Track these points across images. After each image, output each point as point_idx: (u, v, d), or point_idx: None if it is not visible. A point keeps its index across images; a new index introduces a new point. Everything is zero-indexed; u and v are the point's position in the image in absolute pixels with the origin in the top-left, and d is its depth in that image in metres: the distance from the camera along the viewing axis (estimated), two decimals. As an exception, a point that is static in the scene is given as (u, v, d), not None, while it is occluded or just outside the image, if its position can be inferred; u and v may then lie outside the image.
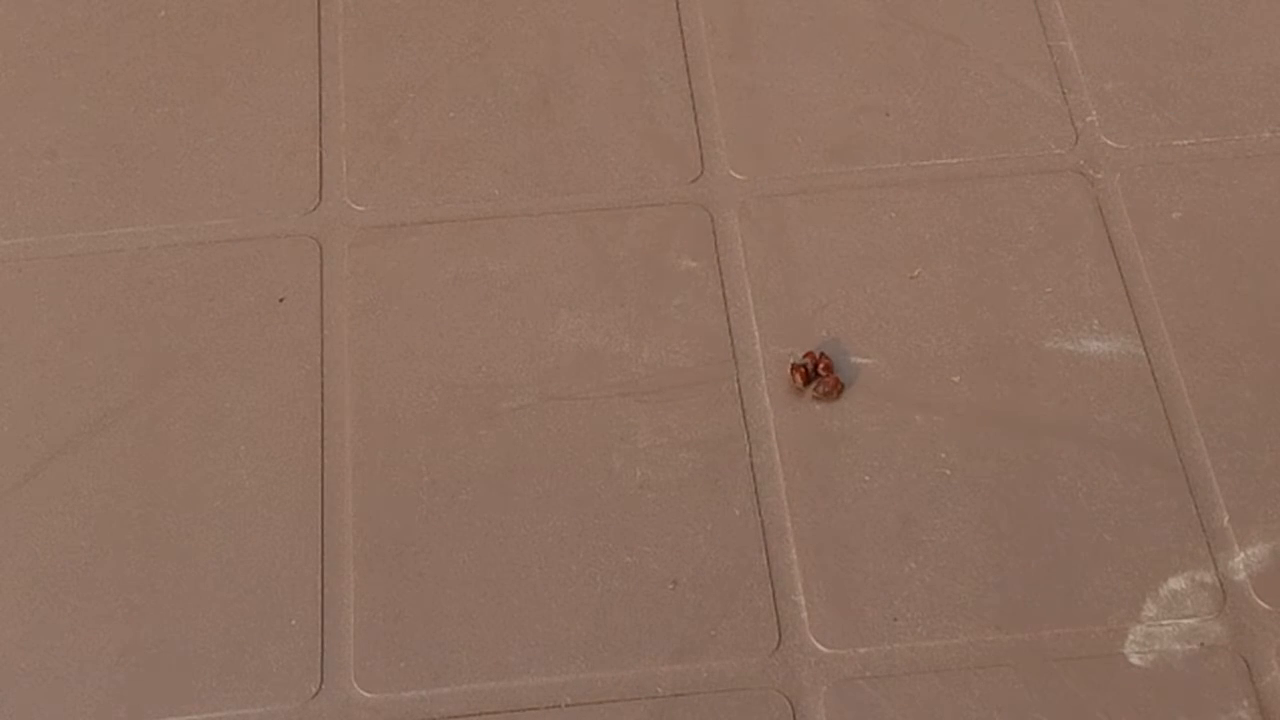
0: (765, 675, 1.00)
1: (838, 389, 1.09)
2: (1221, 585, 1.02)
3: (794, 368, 1.10)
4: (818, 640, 1.01)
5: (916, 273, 1.15)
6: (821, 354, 1.10)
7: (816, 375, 1.10)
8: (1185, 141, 1.22)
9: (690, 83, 1.26)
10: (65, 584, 1.04)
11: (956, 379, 1.11)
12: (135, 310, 1.15)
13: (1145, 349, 1.11)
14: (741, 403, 1.10)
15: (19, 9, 1.32)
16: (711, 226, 1.18)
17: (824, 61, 1.26)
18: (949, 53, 1.26)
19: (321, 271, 1.17)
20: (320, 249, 1.18)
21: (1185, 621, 1.01)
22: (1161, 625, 1.01)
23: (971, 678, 0.99)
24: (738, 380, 1.11)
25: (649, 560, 1.04)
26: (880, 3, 1.29)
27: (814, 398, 1.09)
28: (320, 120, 1.24)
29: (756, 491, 1.06)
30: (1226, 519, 1.05)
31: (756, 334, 1.13)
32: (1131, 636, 1.00)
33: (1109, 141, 1.22)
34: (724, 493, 1.06)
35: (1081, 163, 1.21)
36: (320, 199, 1.20)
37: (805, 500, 1.06)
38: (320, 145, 1.23)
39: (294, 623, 1.02)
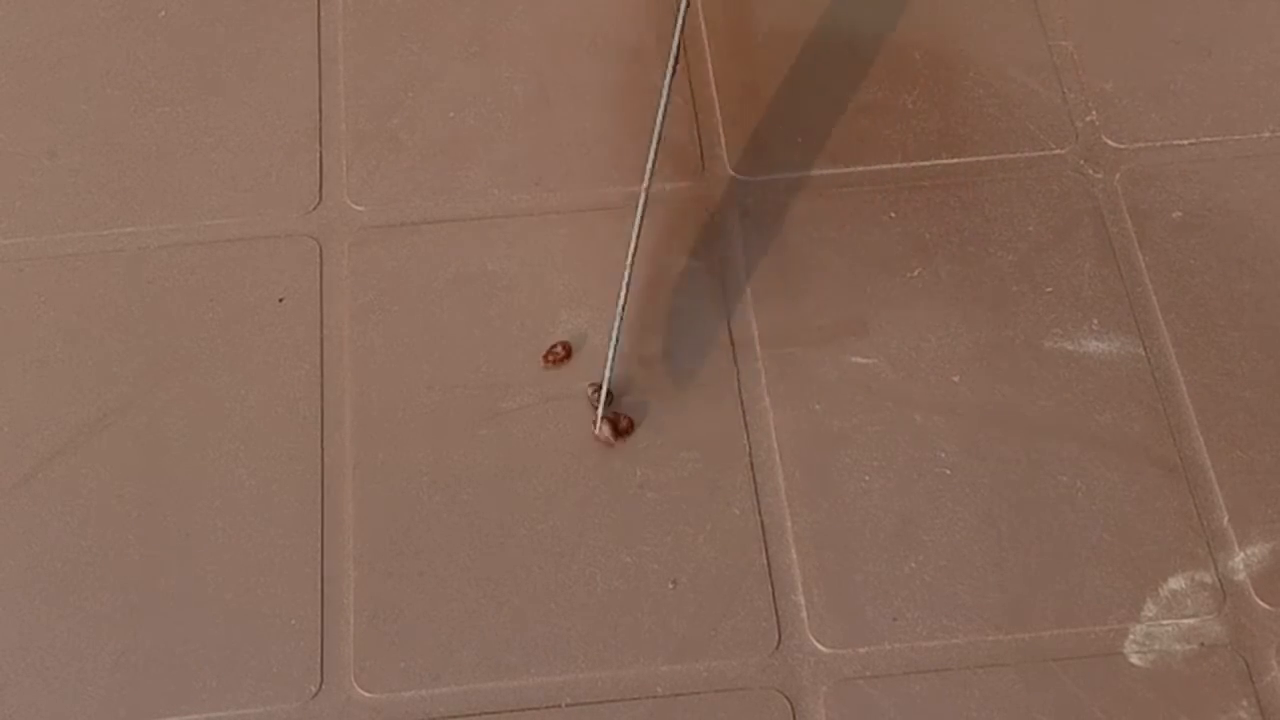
0: (765, 675, 1.00)
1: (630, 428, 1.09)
2: (1221, 585, 1.02)
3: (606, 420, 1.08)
4: (818, 640, 1.01)
5: (916, 273, 1.15)
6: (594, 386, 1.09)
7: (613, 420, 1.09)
8: (1185, 141, 1.22)
9: (690, 83, 1.26)
10: (65, 584, 1.04)
11: (956, 379, 1.11)
12: (135, 310, 1.15)
13: (1145, 349, 1.11)
14: (741, 403, 1.10)
15: (19, 9, 1.31)
16: (711, 226, 1.18)
17: (824, 61, 1.26)
18: (949, 53, 1.26)
19: (321, 271, 1.17)
20: (320, 249, 1.18)
21: (1185, 621, 1.01)
22: (1161, 625, 1.01)
23: (971, 678, 0.99)
24: (738, 380, 1.11)
25: (649, 560, 1.04)
26: (879, 3, 1.29)
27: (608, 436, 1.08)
28: (320, 120, 1.24)
29: (756, 491, 1.06)
30: (1226, 519, 1.05)
31: (756, 334, 1.13)
32: (1131, 636, 1.00)
33: (1109, 141, 1.22)
34: (724, 493, 1.06)
35: (1081, 163, 1.21)
36: (320, 199, 1.20)
37: (805, 500, 1.06)
38: (320, 145, 1.23)
39: (294, 623, 1.02)
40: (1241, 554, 1.03)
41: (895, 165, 1.21)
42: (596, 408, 1.08)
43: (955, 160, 1.21)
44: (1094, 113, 1.23)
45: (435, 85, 1.26)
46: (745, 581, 1.03)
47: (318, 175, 1.21)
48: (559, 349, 1.10)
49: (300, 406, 1.10)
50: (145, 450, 1.09)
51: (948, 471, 1.07)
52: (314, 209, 1.20)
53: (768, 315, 1.14)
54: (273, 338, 1.13)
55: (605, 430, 1.07)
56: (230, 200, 1.20)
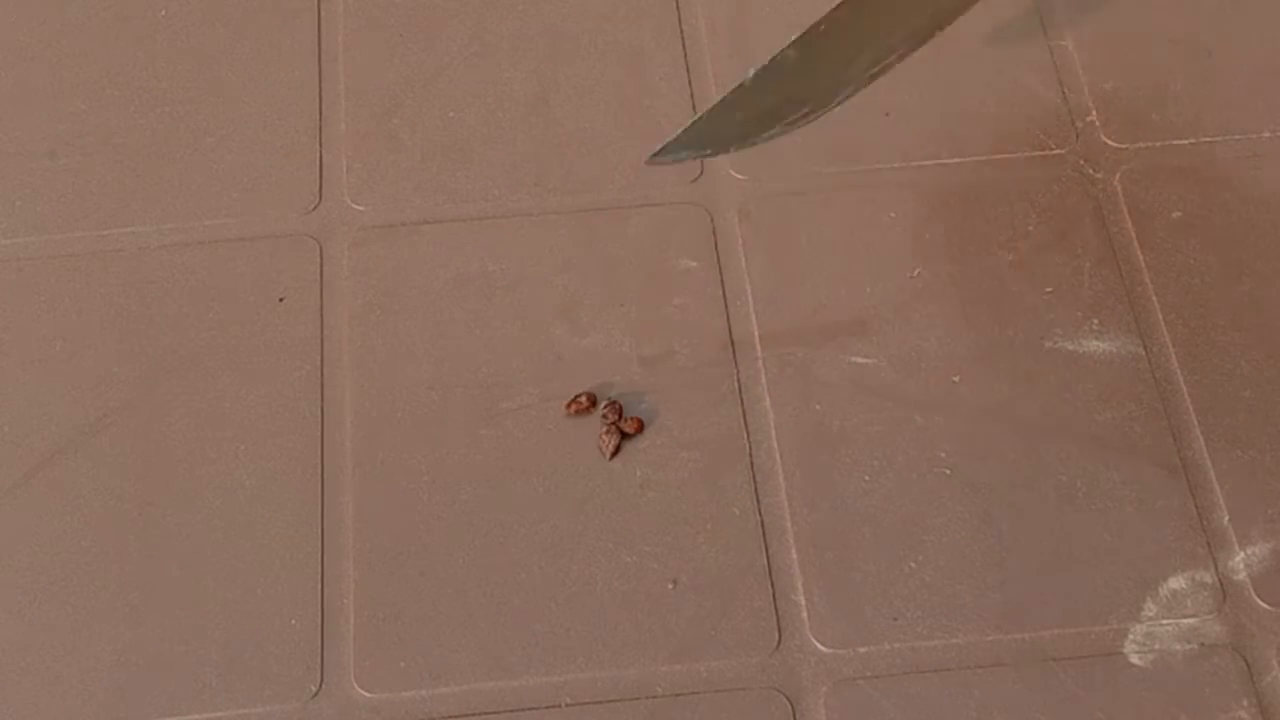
0: (765, 675, 1.00)
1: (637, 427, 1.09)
2: (1221, 585, 1.02)
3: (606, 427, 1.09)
4: (818, 640, 1.01)
5: (916, 273, 1.15)
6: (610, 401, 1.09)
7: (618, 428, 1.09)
8: (1185, 141, 1.22)
9: (690, 83, 1.26)
10: (65, 584, 1.04)
11: (956, 379, 1.11)
12: (135, 310, 1.15)
13: (1145, 349, 1.11)
14: (741, 403, 1.10)
15: (19, 9, 1.32)
16: (711, 226, 1.18)
17: (824, 61, 1.26)
18: (949, 53, 1.26)
19: (321, 271, 1.17)
20: (320, 249, 1.18)
21: (1185, 621, 1.01)
22: (1161, 625, 1.01)
23: (971, 678, 0.99)
24: (738, 380, 1.11)
25: (649, 560, 1.04)
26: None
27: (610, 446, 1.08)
28: (320, 120, 1.24)
29: (756, 491, 1.06)
30: (1226, 519, 1.05)
31: (756, 334, 1.13)
32: (1131, 636, 1.00)
33: (1109, 141, 1.22)
34: (724, 493, 1.06)
35: (1081, 163, 1.21)
36: (320, 199, 1.20)
37: (805, 500, 1.06)
38: (320, 145, 1.23)
39: (294, 623, 1.02)
40: (1241, 554, 1.03)
41: (895, 165, 1.21)
42: (610, 430, 1.08)
43: (955, 160, 1.21)
44: (1094, 113, 1.23)
45: (435, 85, 1.26)
46: (745, 581, 1.03)
47: (318, 175, 1.21)
48: (583, 399, 1.09)
49: (300, 406, 1.10)
50: (145, 450, 1.09)
51: (948, 471, 1.07)
52: (314, 209, 1.20)
53: (768, 315, 1.14)
54: (273, 338, 1.13)
55: (611, 443, 1.07)
56: (230, 200, 1.20)
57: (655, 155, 0.99)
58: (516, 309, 1.14)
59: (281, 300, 1.15)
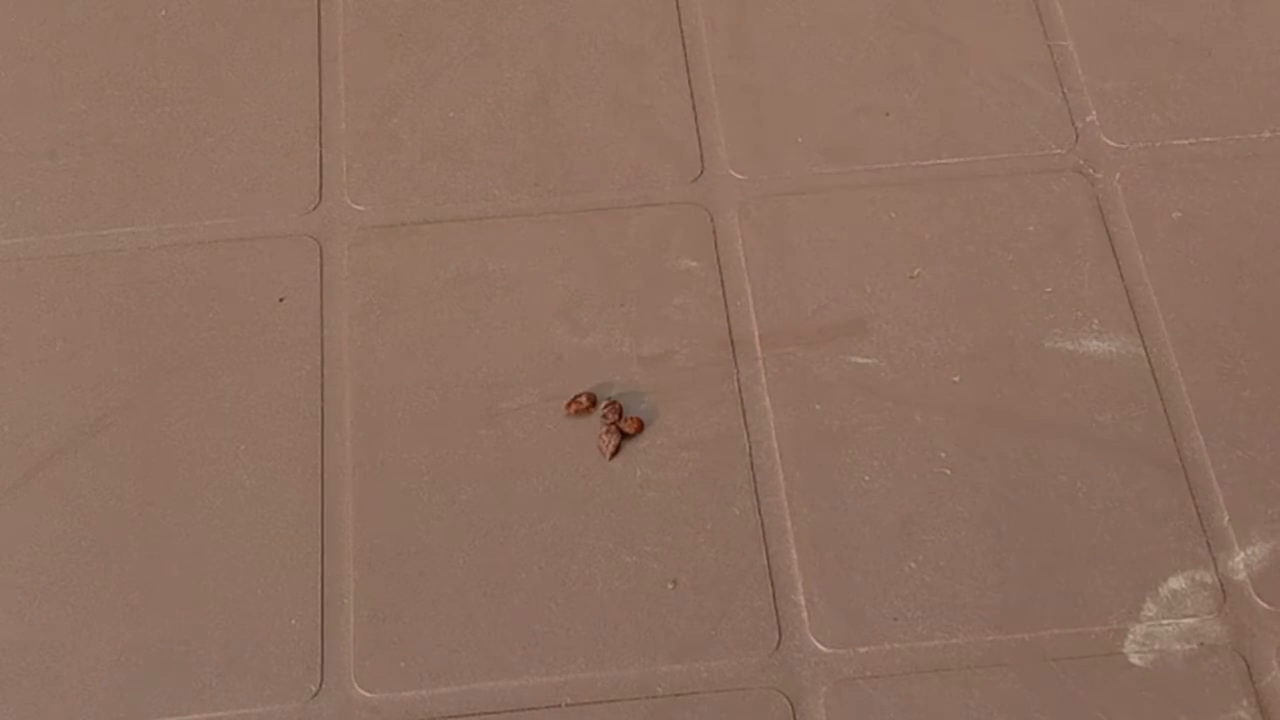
0: (765, 675, 1.00)
1: (637, 427, 1.09)
2: (1221, 585, 1.02)
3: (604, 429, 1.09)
4: (818, 640, 1.01)
5: (916, 273, 1.15)
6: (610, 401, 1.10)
7: (618, 428, 1.09)
8: (1185, 141, 1.22)
9: (690, 83, 1.26)
10: (65, 584, 1.04)
11: (956, 379, 1.11)
12: (135, 310, 1.15)
13: (1145, 349, 1.11)
14: (741, 403, 1.10)
15: (19, 9, 1.32)
16: (711, 226, 1.18)
17: (824, 61, 1.26)
18: (949, 53, 1.26)
19: (321, 271, 1.17)
20: (320, 249, 1.18)
21: (1185, 621, 1.01)
22: (1161, 625, 1.01)
23: (971, 678, 0.99)
24: (738, 380, 1.11)
25: (649, 560, 1.04)
26: (880, 3, 1.29)
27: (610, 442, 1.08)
28: (320, 120, 1.24)
29: (756, 491, 1.06)
30: (1226, 519, 1.05)
31: (756, 334, 1.13)
32: (1131, 636, 1.00)
33: (1109, 141, 1.22)
34: (724, 493, 1.06)
35: (1081, 163, 1.21)
36: (320, 199, 1.20)
37: (805, 500, 1.06)
38: (320, 145, 1.23)
39: (294, 623, 1.02)
40: (1241, 554, 1.03)
41: (895, 165, 1.21)
42: (610, 430, 1.08)
43: (955, 160, 1.21)
44: (1094, 113, 1.23)
45: (435, 85, 1.26)
46: (745, 581, 1.03)
47: (318, 175, 1.21)
48: (583, 399, 1.09)
49: (300, 406, 1.10)
50: (145, 450, 1.09)
51: (948, 471, 1.07)
52: (314, 209, 1.20)
53: (768, 315, 1.14)
54: (273, 337, 1.13)
55: (612, 443, 1.07)
56: (230, 200, 1.20)
57: None
58: (516, 309, 1.14)
59: (281, 300, 1.15)
